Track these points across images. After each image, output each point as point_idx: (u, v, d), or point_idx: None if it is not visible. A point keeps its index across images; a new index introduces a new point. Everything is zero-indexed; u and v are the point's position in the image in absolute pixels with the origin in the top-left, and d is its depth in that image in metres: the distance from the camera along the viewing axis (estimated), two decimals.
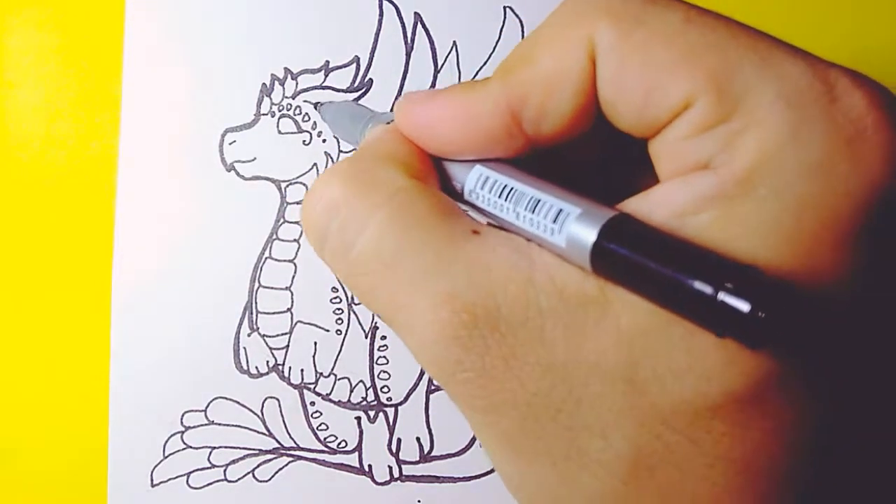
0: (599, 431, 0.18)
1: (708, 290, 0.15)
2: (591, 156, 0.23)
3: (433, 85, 0.36)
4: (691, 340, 0.17)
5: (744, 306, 0.15)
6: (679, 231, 0.18)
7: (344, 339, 0.36)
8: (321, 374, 0.36)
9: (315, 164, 0.36)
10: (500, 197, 0.21)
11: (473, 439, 0.36)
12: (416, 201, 0.20)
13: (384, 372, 0.36)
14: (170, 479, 0.35)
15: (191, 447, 0.35)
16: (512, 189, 0.21)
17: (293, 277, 0.36)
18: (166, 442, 0.35)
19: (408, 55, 0.36)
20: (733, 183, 0.17)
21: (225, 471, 0.36)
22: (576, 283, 0.19)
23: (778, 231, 0.17)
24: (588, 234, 0.18)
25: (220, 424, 0.35)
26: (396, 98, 0.36)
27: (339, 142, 0.36)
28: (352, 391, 0.36)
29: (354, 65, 0.36)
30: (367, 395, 0.36)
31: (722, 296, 0.15)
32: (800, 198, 0.17)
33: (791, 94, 0.18)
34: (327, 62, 0.36)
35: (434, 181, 0.22)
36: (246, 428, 0.35)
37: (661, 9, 0.19)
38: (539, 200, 0.20)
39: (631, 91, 0.19)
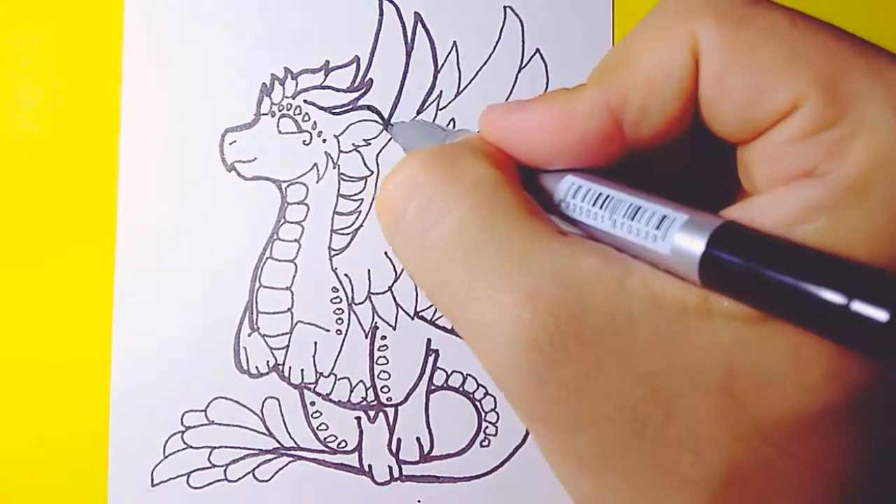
0: (691, 446, 0.17)
1: (839, 298, 0.14)
2: (679, 165, 0.22)
3: (433, 85, 0.36)
4: (796, 352, 0.17)
5: (882, 315, 0.14)
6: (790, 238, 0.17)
7: (344, 339, 0.36)
8: (321, 374, 0.36)
9: (315, 164, 0.36)
10: (594, 205, 0.20)
11: (473, 439, 0.36)
12: (502, 194, 0.20)
13: (384, 372, 0.36)
14: (170, 479, 0.35)
15: (191, 447, 0.35)
16: (608, 197, 0.20)
17: (294, 277, 0.36)
18: (167, 442, 0.35)
19: (408, 55, 0.36)
20: (844, 190, 0.17)
21: (225, 471, 0.36)
22: (674, 291, 0.18)
23: (892, 237, 0.17)
24: (696, 242, 0.17)
25: (220, 424, 0.35)
26: (397, 97, 0.36)
27: (339, 142, 0.36)
28: (352, 391, 0.36)
29: (354, 65, 0.36)
30: (367, 395, 0.36)
31: (856, 305, 0.14)
32: None
33: None
34: (327, 62, 0.36)
35: (516, 172, 0.21)
36: (246, 428, 0.35)
37: (765, 9, 0.19)
38: (640, 207, 0.19)
39: (736, 90, 0.18)
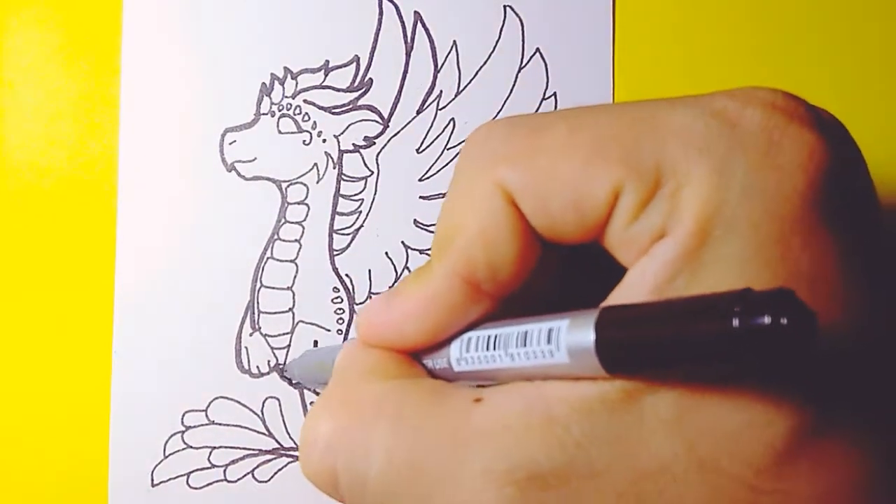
0: None
1: (721, 324, 0.15)
2: (554, 278, 0.23)
3: (433, 85, 0.36)
4: (734, 400, 0.17)
5: (764, 320, 0.14)
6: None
7: (345, 339, 0.36)
8: None
9: (315, 164, 0.36)
10: (488, 349, 0.20)
11: None
12: (407, 399, 0.20)
13: None
14: (170, 479, 0.35)
15: (191, 447, 0.35)
16: (497, 336, 0.20)
17: (294, 277, 0.36)
18: (167, 442, 0.35)
19: (408, 55, 0.36)
20: (690, 237, 0.18)
21: (225, 471, 0.35)
22: (595, 395, 0.18)
23: (745, 260, 0.17)
24: (586, 337, 0.17)
25: (220, 424, 0.35)
26: (397, 97, 0.36)
27: (339, 142, 0.36)
28: None
29: (354, 64, 0.36)
30: None
31: (736, 322, 0.15)
32: (751, 221, 0.17)
33: (696, 140, 0.18)
34: (327, 62, 0.36)
35: (419, 371, 0.22)
36: (246, 428, 0.35)
37: (545, 134, 0.20)
38: (526, 332, 0.19)
39: (560, 210, 0.19)
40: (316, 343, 0.36)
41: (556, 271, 0.23)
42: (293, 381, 0.35)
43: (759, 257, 0.17)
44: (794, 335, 0.14)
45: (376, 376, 0.21)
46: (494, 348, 0.20)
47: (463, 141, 0.36)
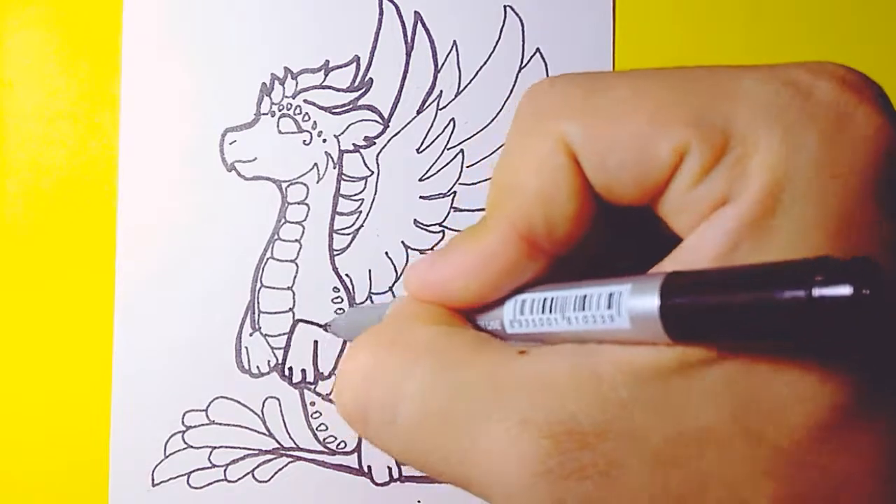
0: (736, 499, 0.17)
1: (800, 293, 0.15)
2: (603, 244, 0.22)
3: (433, 85, 0.36)
4: (784, 372, 0.17)
5: (845, 290, 0.14)
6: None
7: (345, 340, 0.36)
8: (322, 374, 0.36)
9: (315, 164, 0.36)
10: (544, 312, 0.20)
11: None
12: (451, 343, 0.20)
13: None
14: (170, 479, 0.35)
15: (191, 447, 0.35)
16: (553, 299, 0.20)
17: (294, 277, 0.36)
18: (167, 441, 0.35)
19: (408, 55, 0.36)
20: (756, 205, 0.17)
21: (225, 471, 0.36)
22: (647, 359, 0.18)
23: (815, 228, 0.17)
24: (650, 302, 0.17)
25: (220, 424, 0.35)
26: (397, 97, 0.36)
27: (339, 142, 0.36)
28: None
29: (354, 64, 0.36)
30: None
31: (817, 290, 0.14)
32: (819, 192, 0.17)
33: (767, 108, 0.18)
34: (327, 62, 0.36)
35: (469, 326, 0.21)
36: (246, 428, 0.35)
37: (609, 85, 0.19)
38: (585, 295, 0.19)
39: (621, 169, 0.19)
40: (316, 343, 0.36)
41: (606, 237, 0.23)
42: (338, 335, 0.34)
43: (826, 229, 0.17)
44: (875, 306, 0.14)
45: (425, 321, 0.21)
46: (551, 311, 0.20)
47: (464, 141, 0.36)
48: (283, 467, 0.36)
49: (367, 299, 0.36)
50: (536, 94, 0.21)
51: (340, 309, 0.36)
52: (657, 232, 0.20)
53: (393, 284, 0.36)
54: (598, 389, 0.18)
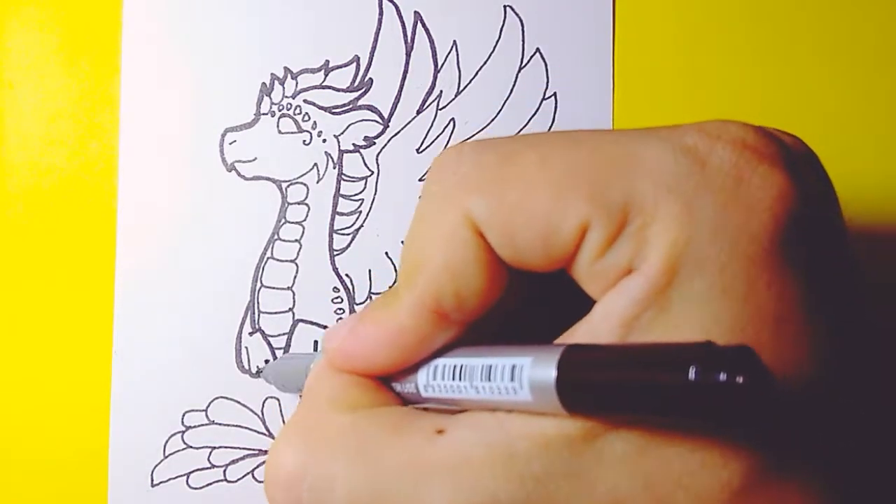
0: None
1: (679, 376, 0.15)
2: (522, 300, 0.23)
3: (433, 85, 0.36)
4: (689, 441, 0.17)
5: (720, 377, 0.15)
6: (630, 339, 0.18)
7: None
8: None
9: (315, 164, 0.36)
10: (454, 379, 0.20)
11: None
12: (369, 431, 0.20)
13: None
14: (170, 479, 0.35)
15: (191, 447, 0.35)
16: (462, 367, 0.20)
17: (295, 277, 0.36)
18: (167, 442, 0.35)
19: (408, 55, 0.36)
20: (657, 275, 0.18)
21: (225, 471, 0.35)
22: (556, 431, 0.18)
23: (714, 298, 0.17)
24: (548, 377, 0.18)
25: (220, 424, 0.35)
26: (397, 97, 0.36)
27: (339, 142, 0.36)
28: None
29: (354, 64, 0.36)
30: None
31: (693, 376, 0.15)
32: (718, 260, 0.18)
33: (666, 177, 0.18)
34: (327, 62, 0.36)
35: (387, 397, 0.22)
36: (246, 428, 0.35)
37: (516, 161, 0.19)
38: (490, 366, 0.19)
39: (527, 243, 0.19)
40: (316, 344, 0.36)
41: (525, 293, 0.23)
42: (270, 383, 0.35)
43: (725, 297, 0.17)
44: (749, 393, 0.14)
45: (341, 406, 0.21)
46: (460, 379, 0.20)
47: (464, 141, 0.36)
48: None
49: (367, 299, 0.36)
50: (442, 165, 0.21)
51: (340, 309, 0.36)
52: (573, 289, 0.20)
53: (393, 284, 0.36)
54: (513, 465, 0.18)
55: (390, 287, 0.22)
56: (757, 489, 0.17)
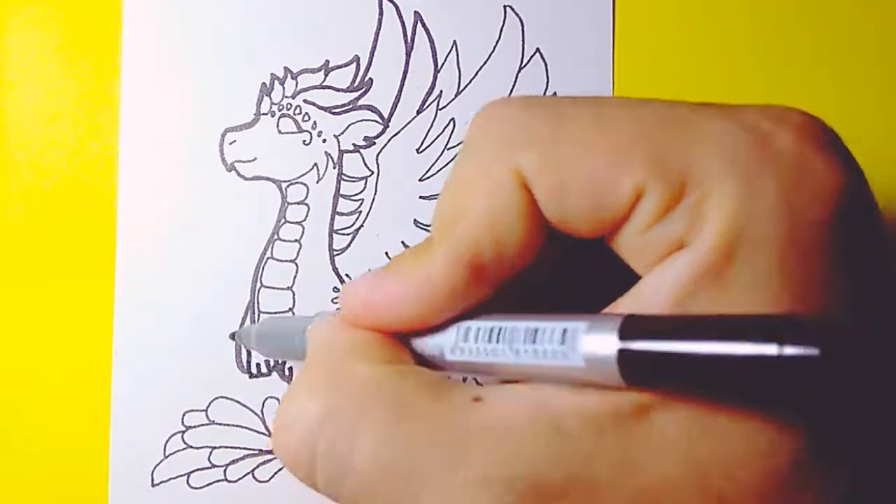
0: None
1: (770, 349, 0.14)
2: (550, 272, 0.22)
3: (433, 85, 0.36)
4: (741, 424, 0.17)
5: (812, 351, 0.14)
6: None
7: None
8: None
9: (315, 164, 0.36)
10: (490, 342, 0.19)
11: None
12: (403, 389, 0.19)
13: None
14: (170, 479, 0.35)
15: (191, 447, 0.35)
16: (502, 329, 0.19)
17: (295, 278, 0.36)
18: (167, 441, 0.35)
19: (408, 55, 0.36)
20: (713, 253, 0.17)
21: (225, 471, 0.35)
22: (607, 408, 0.17)
23: (772, 281, 0.17)
24: (608, 344, 0.17)
25: (220, 424, 0.35)
26: (397, 97, 0.36)
27: (339, 142, 0.36)
28: None
29: (354, 64, 0.36)
30: None
31: (788, 349, 0.14)
32: (777, 242, 0.17)
33: (728, 153, 0.18)
34: (327, 62, 0.36)
35: (406, 356, 0.21)
36: (246, 428, 0.35)
37: (572, 115, 0.19)
38: (537, 329, 0.18)
39: (576, 203, 0.19)
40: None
41: (551, 266, 0.22)
42: (246, 346, 0.33)
43: (784, 281, 0.17)
44: (840, 368, 0.14)
45: (365, 358, 0.20)
46: (498, 341, 0.19)
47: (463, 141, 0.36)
48: (283, 467, 0.36)
49: None
50: (490, 117, 0.20)
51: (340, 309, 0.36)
52: (605, 265, 0.20)
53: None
54: (559, 442, 0.17)
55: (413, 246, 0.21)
56: (807, 476, 0.17)
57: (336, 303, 0.36)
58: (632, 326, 0.17)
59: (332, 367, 0.20)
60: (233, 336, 0.35)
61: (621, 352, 0.16)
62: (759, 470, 0.17)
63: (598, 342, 0.17)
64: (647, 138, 0.18)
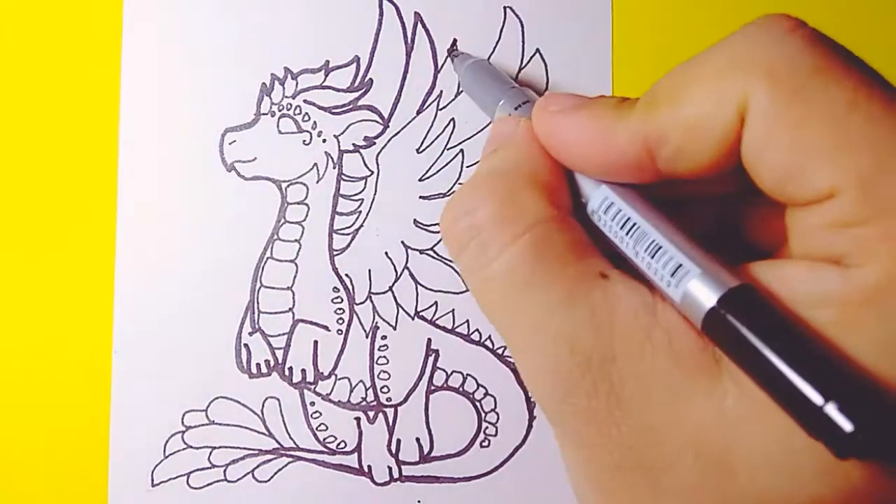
0: (684, 501, 0.18)
1: (817, 397, 0.15)
2: (723, 188, 0.22)
3: (433, 85, 0.36)
4: (790, 439, 0.17)
5: (847, 426, 0.14)
6: (798, 319, 0.17)
7: (345, 339, 0.36)
8: (321, 374, 0.36)
9: (315, 164, 0.36)
10: (621, 228, 0.21)
11: (473, 440, 0.36)
12: (554, 237, 0.21)
13: (384, 372, 0.36)
14: (170, 479, 0.35)
15: (191, 447, 0.35)
16: (634, 225, 0.21)
17: (294, 277, 0.36)
18: (167, 442, 0.35)
19: (408, 55, 0.36)
20: (862, 290, 0.17)
21: (225, 471, 0.36)
22: (693, 351, 0.19)
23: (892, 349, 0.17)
24: (705, 299, 0.18)
25: (220, 424, 0.35)
26: (397, 97, 0.36)
27: (339, 142, 0.36)
28: (351, 391, 0.36)
29: (354, 64, 0.36)
30: (366, 395, 0.36)
31: (829, 408, 0.15)
32: None
33: None
34: (327, 62, 0.36)
35: (566, 196, 0.23)
36: (246, 428, 0.35)
37: (826, 85, 0.18)
38: (660, 247, 0.20)
39: (775, 164, 0.18)
40: (316, 343, 0.36)
41: (732, 186, 0.22)
42: (455, 71, 0.35)
43: None
44: (862, 449, 0.15)
45: (539, 194, 0.22)
46: (627, 234, 0.21)
47: (464, 141, 0.36)
48: (283, 467, 0.36)
49: (366, 300, 0.36)
50: (775, 28, 0.20)
51: (340, 308, 0.36)
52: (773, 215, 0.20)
53: (393, 284, 0.36)
54: (643, 349, 0.19)
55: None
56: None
57: (335, 303, 0.36)
58: (732, 298, 0.18)
59: (510, 186, 0.22)
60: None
61: (711, 312, 0.18)
62: (777, 486, 0.17)
63: (700, 292, 0.18)
64: (876, 152, 0.17)
